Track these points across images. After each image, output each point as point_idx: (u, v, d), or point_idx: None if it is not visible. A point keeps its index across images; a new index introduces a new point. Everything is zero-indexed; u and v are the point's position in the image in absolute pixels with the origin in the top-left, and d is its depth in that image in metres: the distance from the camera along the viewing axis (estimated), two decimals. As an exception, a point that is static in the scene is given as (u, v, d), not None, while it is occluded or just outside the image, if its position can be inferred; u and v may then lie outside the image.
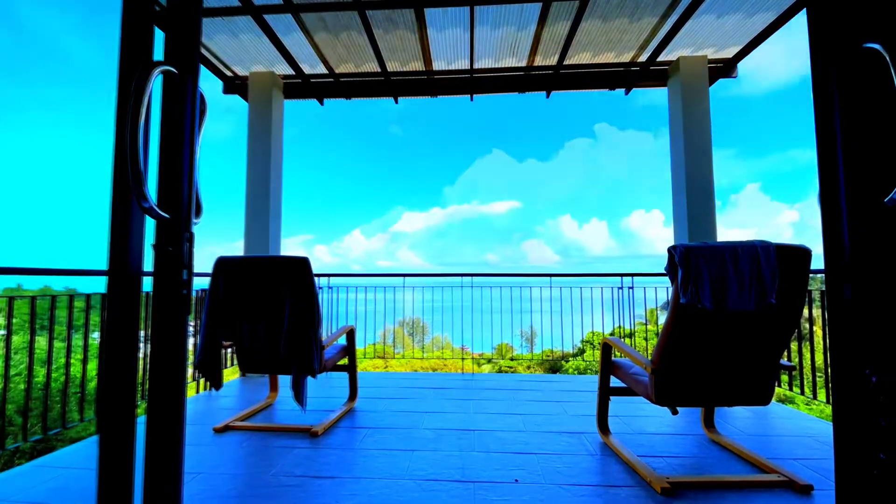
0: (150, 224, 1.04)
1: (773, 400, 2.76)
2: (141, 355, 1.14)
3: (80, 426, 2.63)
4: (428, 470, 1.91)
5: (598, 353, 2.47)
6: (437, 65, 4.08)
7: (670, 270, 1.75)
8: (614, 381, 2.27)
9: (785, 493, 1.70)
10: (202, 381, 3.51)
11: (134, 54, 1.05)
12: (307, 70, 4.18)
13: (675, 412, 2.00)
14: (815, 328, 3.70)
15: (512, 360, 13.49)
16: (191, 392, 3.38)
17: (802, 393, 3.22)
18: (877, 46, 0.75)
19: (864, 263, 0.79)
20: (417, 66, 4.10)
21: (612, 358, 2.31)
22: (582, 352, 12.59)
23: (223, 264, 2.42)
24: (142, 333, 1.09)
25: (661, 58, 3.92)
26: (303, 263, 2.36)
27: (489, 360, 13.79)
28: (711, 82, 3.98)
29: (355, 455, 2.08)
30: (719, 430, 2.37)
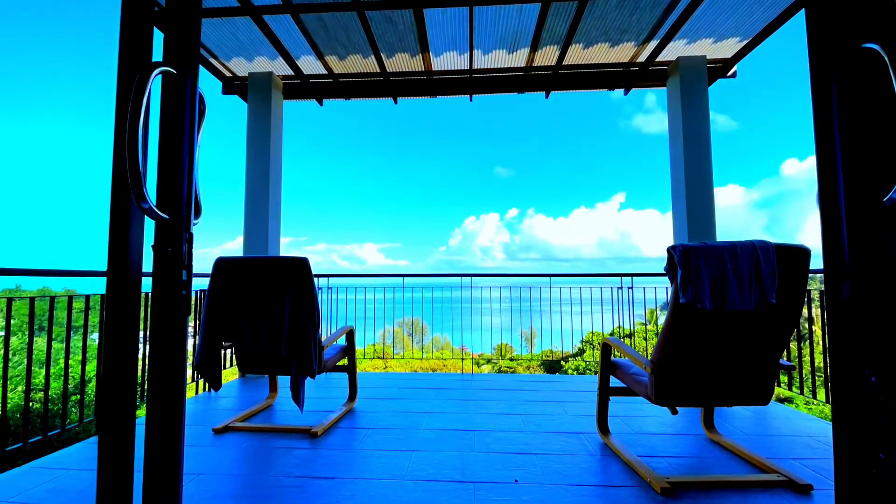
0: (149, 225, 1.04)
1: (773, 400, 2.77)
2: (141, 356, 1.14)
3: (79, 427, 2.62)
4: (428, 470, 1.91)
5: (597, 354, 2.47)
6: (437, 65, 4.09)
7: (670, 270, 1.75)
8: (614, 382, 2.28)
9: (785, 492, 1.70)
10: (202, 381, 3.50)
11: (133, 55, 1.05)
12: (306, 70, 4.18)
13: (674, 412, 2.00)
14: (814, 328, 3.70)
15: (511, 360, 13.50)
16: (190, 393, 3.38)
17: (802, 393, 3.22)
18: (875, 47, 0.75)
19: (863, 263, 0.79)
20: (417, 66, 4.11)
21: (612, 358, 2.31)
22: (582, 352, 12.60)
23: (223, 265, 2.42)
24: (141, 334, 1.09)
25: (660, 58, 3.93)
26: (302, 264, 2.36)
27: (489, 361, 13.80)
28: (710, 82, 3.99)
29: (355, 455, 2.08)
30: (719, 430, 2.37)
